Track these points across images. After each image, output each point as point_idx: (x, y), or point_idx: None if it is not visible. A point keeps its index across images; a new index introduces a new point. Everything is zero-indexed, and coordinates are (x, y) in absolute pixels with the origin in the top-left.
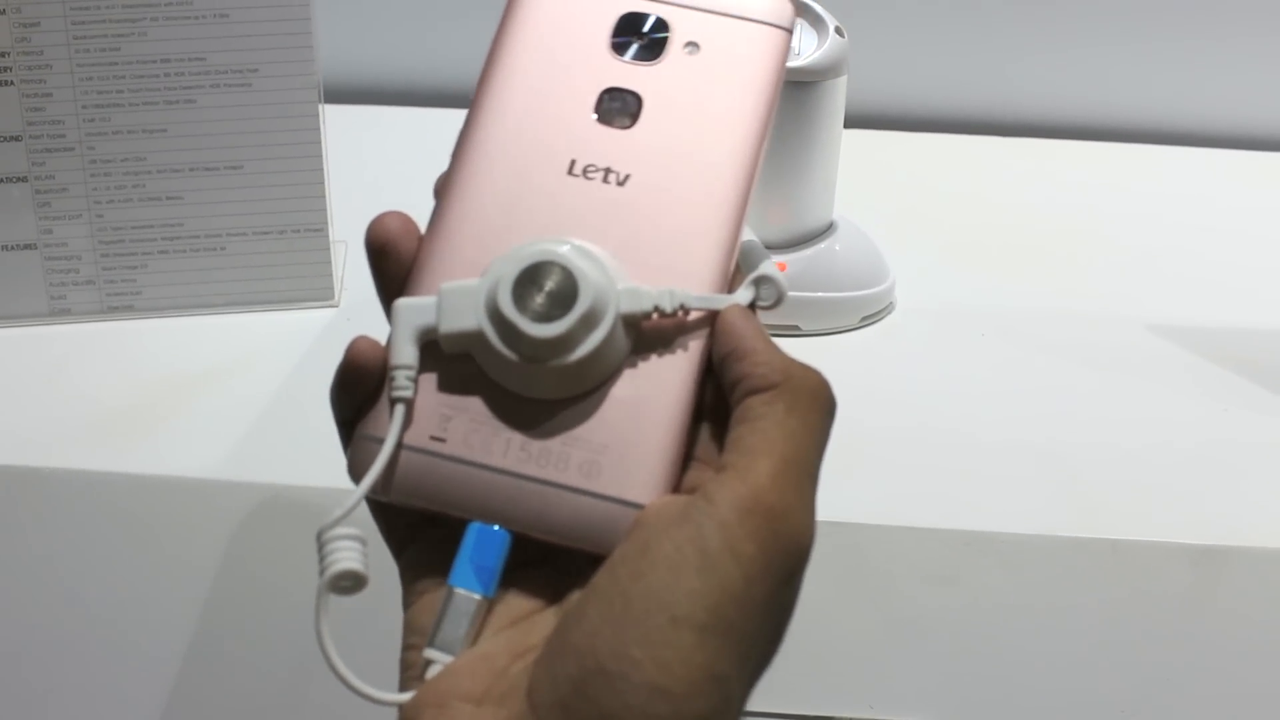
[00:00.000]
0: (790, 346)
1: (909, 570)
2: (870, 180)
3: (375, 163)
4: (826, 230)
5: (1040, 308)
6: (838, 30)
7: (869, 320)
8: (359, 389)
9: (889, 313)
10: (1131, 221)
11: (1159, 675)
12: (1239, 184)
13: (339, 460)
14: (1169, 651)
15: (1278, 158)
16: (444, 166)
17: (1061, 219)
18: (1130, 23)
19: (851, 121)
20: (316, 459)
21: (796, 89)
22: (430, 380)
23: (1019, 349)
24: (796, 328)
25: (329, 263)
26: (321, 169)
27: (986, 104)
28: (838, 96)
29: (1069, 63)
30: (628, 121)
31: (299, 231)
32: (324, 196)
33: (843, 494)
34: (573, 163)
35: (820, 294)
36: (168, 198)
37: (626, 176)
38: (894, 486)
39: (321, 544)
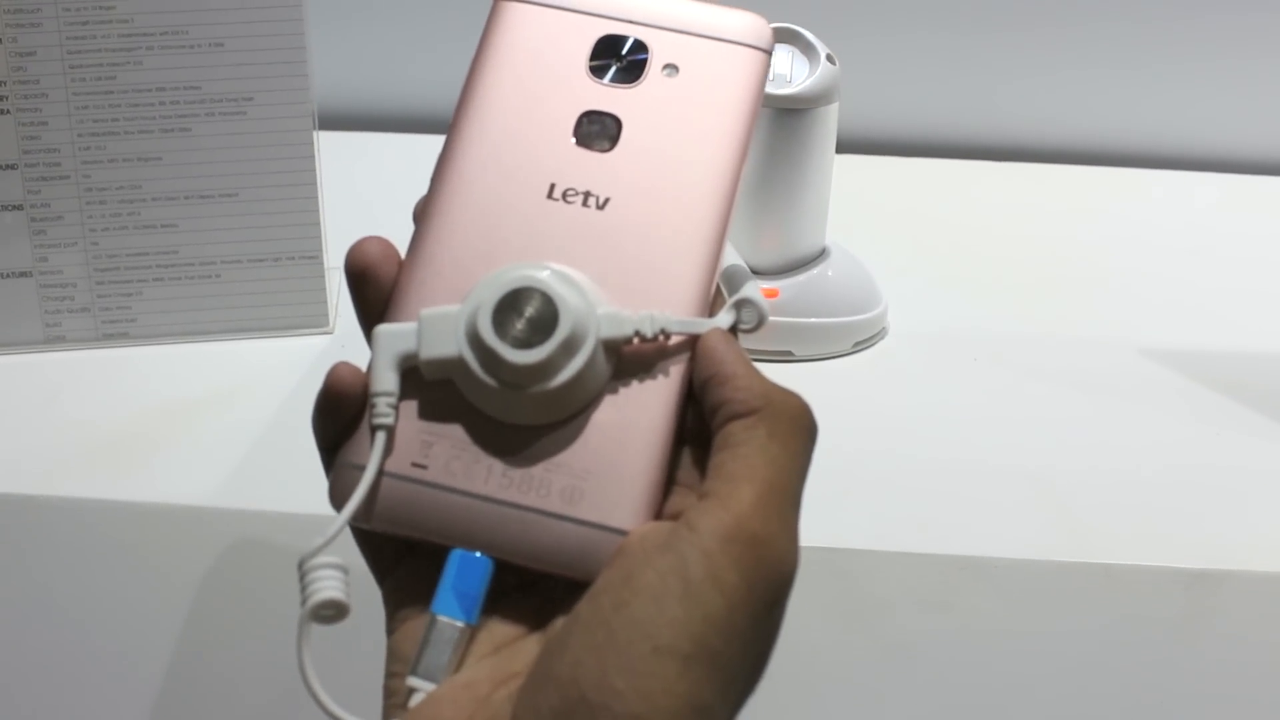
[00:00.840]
0: (783, 372)
1: (902, 596)
2: (862, 205)
3: (370, 189)
4: (819, 256)
5: (1032, 332)
6: (829, 58)
7: (862, 345)
8: (340, 415)
9: (882, 338)
10: (1122, 245)
11: (1153, 699)
12: (1228, 208)
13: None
14: (1163, 675)
15: (1266, 181)
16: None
17: (1052, 243)
18: (1118, 48)
19: (843, 146)
20: (311, 486)
21: (789, 116)
22: (411, 406)
23: (1011, 373)
24: (790, 353)
25: (324, 289)
26: (316, 196)
27: (977, 128)
28: (829, 123)
29: (1059, 87)
30: (607, 144)
31: (294, 259)
32: (319, 224)
33: (836, 519)
34: (552, 186)
35: (813, 319)
36: (163, 225)
37: (606, 200)
38: (887, 512)
39: (303, 573)
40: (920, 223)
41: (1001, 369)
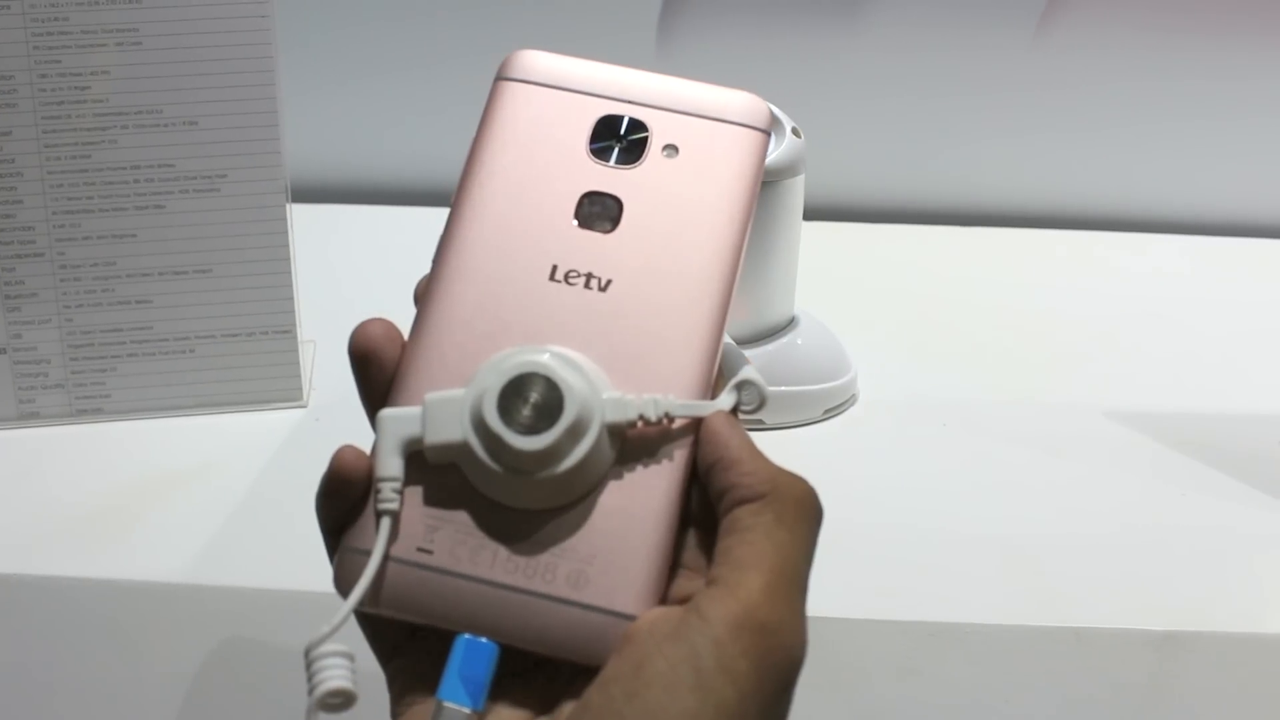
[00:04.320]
0: (754, 440)
1: (874, 663)
2: (830, 272)
3: (342, 261)
4: (788, 325)
5: (1000, 397)
6: (794, 131)
7: (832, 413)
8: (344, 499)
9: (851, 405)
10: (1087, 308)
11: None
12: (1191, 270)
13: (313, 562)
14: None
15: (1229, 243)
16: (412, 263)
17: (1018, 307)
18: (1083, 113)
19: (810, 214)
20: (289, 561)
21: None
22: (416, 491)
23: (980, 439)
24: (760, 421)
25: (297, 363)
26: (289, 271)
27: (943, 194)
28: (796, 194)
29: (1025, 153)
30: (608, 225)
31: (267, 333)
32: (292, 298)
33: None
34: (554, 268)
35: (783, 388)
36: (137, 301)
37: (608, 282)
38: (857, 579)
39: (310, 661)
40: (888, 289)
41: (970, 434)
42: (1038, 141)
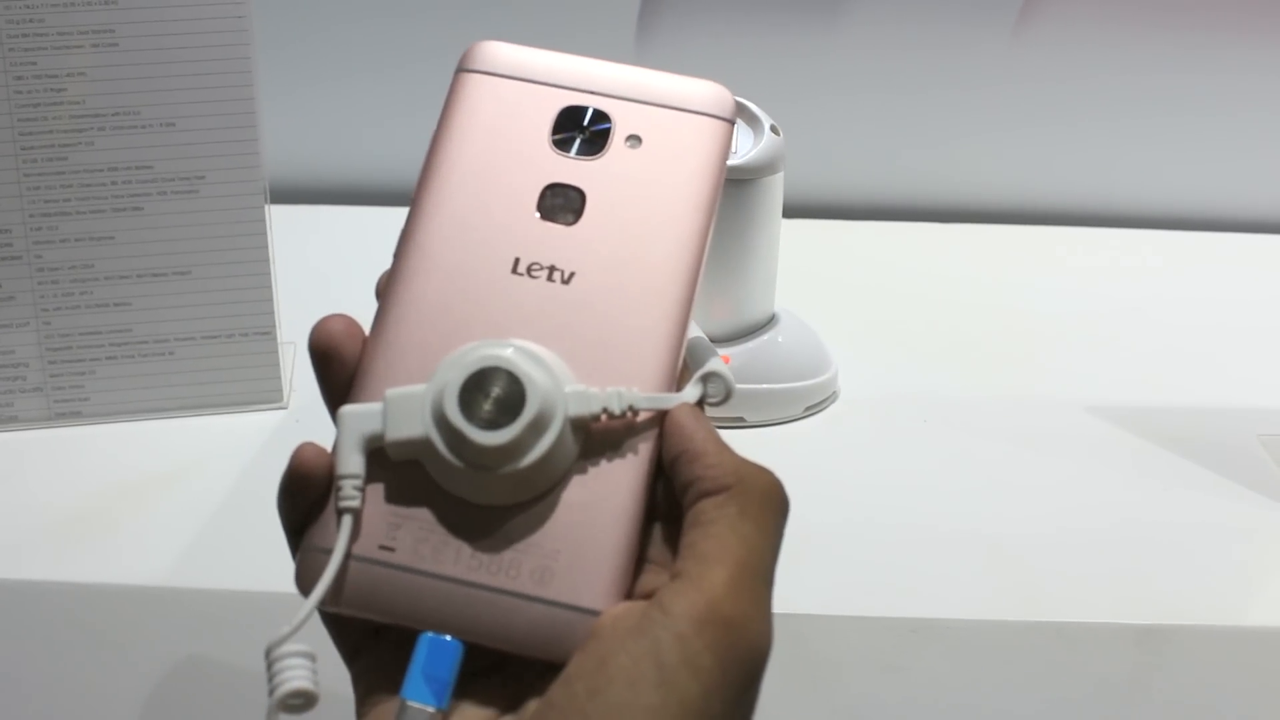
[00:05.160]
0: (735, 439)
1: (856, 660)
2: (810, 270)
3: (322, 262)
4: (769, 322)
5: (980, 394)
6: (773, 129)
7: (813, 410)
8: (305, 497)
9: (832, 402)
10: (1067, 303)
11: None
12: (1171, 265)
13: (290, 566)
14: None
15: (1206, 237)
16: (390, 264)
17: (998, 303)
18: (1058, 110)
19: (789, 211)
20: (269, 563)
21: (735, 186)
22: (378, 488)
23: (961, 435)
24: (741, 419)
25: (277, 365)
26: (269, 272)
27: (921, 190)
28: (775, 192)
29: (1004, 149)
30: (571, 218)
31: (247, 335)
32: (271, 299)
33: (788, 584)
34: (516, 261)
35: (764, 385)
36: (115, 304)
37: (571, 274)
38: (839, 576)
39: (270, 662)
40: (868, 286)
41: (951, 431)
42: (1016, 138)
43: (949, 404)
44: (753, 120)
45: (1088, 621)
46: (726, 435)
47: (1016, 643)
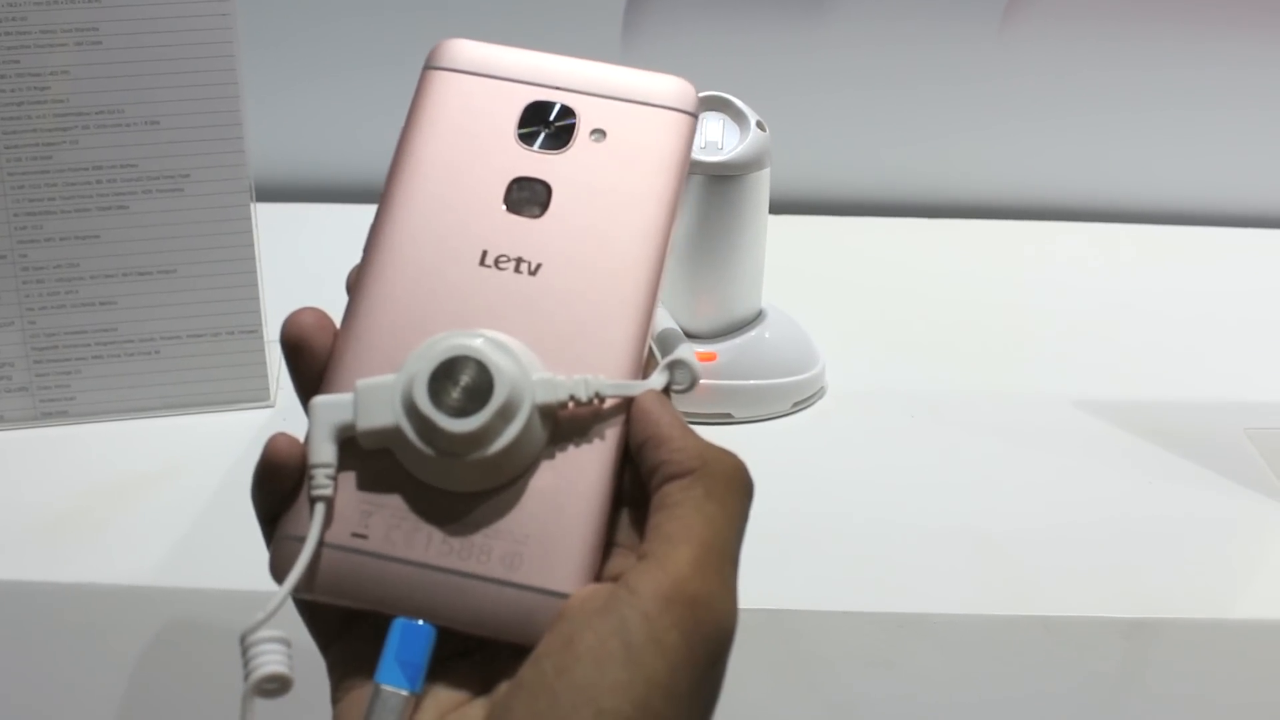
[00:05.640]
0: (723, 434)
1: (844, 655)
2: (797, 266)
3: (308, 260)
4: (756, 318)
5: (967, 389)
6: (759, 124)
7: (801, 406)
8: (278, 487)
9: (820, 397)
10: (1054, 298)
11: None
12: (1159, 259)
13: None
14: None
15: (1194, 232)
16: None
17: (985, 298)
18: (1046, 105)
19: (776, 207)
20: (256, 561)
21: (721, 182)
22: (350, 477)
23: (948, 430)
24: (729, 415)
25: (264, 363)
26: (254, 271)
27: (908, 186)
28: (761, 188)
29: (988, 144)
30: (537, 210)
31: (233, 333)
32: (257, 298)
33: (777, 580)
34: (484, 253)
35: (752, 381)
36: (101, 303)
37: (538, 266)
38: (827, 570)
39: (245, 647)
40: (855, 281)
41: (939, 426)
42: (1003, 133)
43: (936, 399)
44: (739, 116)
45: (1076, 615)
46: (714, 431)
47: (1005, 637)
